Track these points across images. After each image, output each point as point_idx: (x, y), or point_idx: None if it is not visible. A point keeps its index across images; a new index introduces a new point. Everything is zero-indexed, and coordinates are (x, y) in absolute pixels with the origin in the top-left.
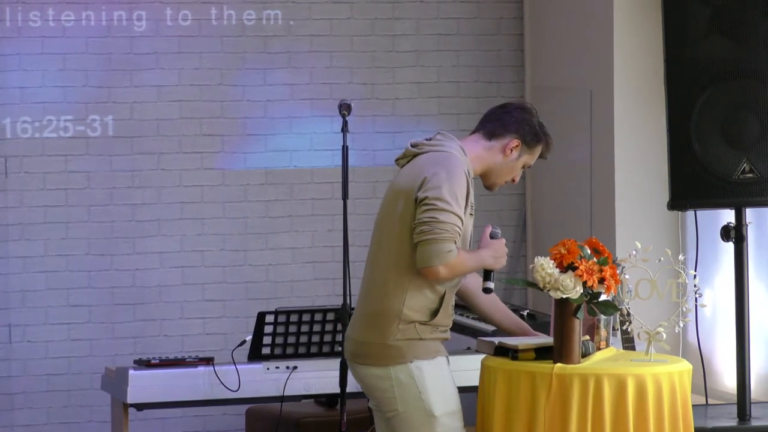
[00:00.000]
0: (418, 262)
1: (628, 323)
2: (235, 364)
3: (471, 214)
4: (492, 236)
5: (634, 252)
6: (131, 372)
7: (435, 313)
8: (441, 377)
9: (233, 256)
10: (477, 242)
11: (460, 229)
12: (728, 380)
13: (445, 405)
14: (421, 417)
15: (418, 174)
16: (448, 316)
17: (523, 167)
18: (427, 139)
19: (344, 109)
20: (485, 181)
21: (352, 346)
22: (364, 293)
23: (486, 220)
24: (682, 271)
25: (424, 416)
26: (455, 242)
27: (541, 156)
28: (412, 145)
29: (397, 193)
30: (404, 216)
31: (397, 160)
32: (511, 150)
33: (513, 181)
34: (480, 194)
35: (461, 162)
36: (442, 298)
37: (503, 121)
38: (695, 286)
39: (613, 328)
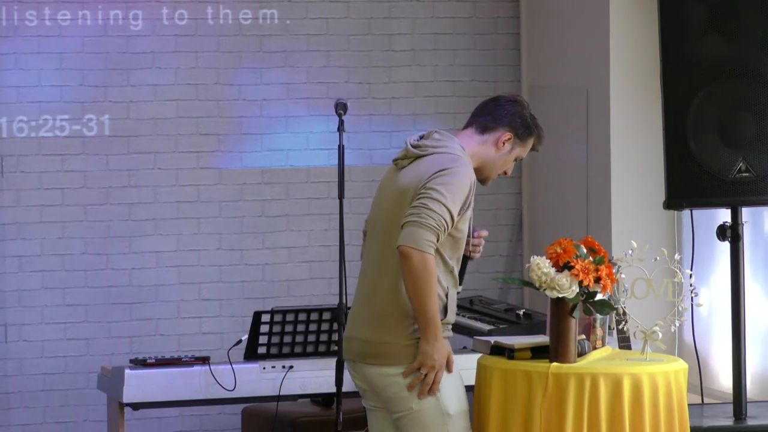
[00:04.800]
0: (398, 240)
1: (624, 322)
2: (231, 363)
3: (470, 215)
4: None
5: (630, 251)
6: (127, 371)
7: (445, 309)
8: (454, 376)
9: (229, 256)
10: (470, 244)
11: (447, 224)
12: (724, 379)
13: (459, 404)
14: (435, 416)
15: (424, 173)
16: (453, 313)
17: (515, 160)
18: (421, 136)
19: (340, 108)
20: (479, 175)
21: (359, 346)
22: (371, 293)
23: (483, 219)
24: (678, 271)
25: (439, 415)
26: (438, 236)
27: (533, 148)
28: (413, 146)
29: (402, 193)
30: None
31: (396, 160)
32: (504, 143)
33: (505, 173)
34: (477, 193)
35: (469, 167)
36: (447, 295)
37: (495, 114)
38: (691, 285)
39: (609, 328)
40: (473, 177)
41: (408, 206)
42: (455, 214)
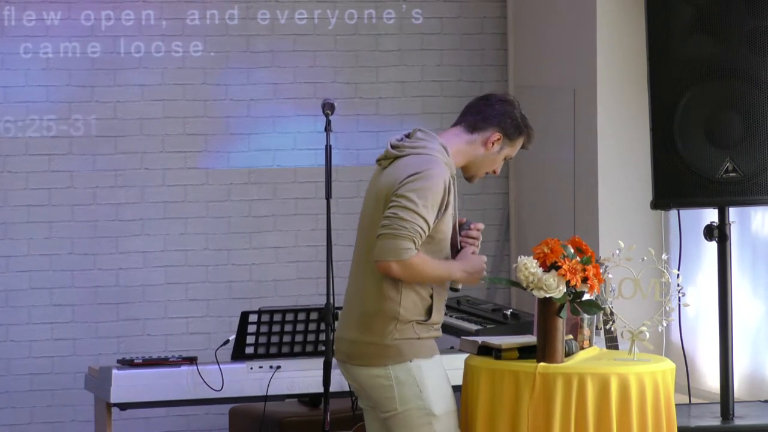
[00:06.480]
0: (374, 255)
1: (611, 322)
2: (218, 363)
3: (453, 214)
4: (462, 228)
5: (617, 251)
6: (114, 371)
7: (430, 310)
8: (439, 376)
9: (216, 256)
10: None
11: (423, 231)
12: (711, 380)
13: (444, 404)
14: (420, 416)
15: (398, 176)
16: (440, 313)
17: (505, 159)
18: (406, 135)
19: (327, 108)
20: (466, 173)
21: (346, 346)
22: (356, 294)
23: (470, 218)
24: (665, 270)
25: (424, 415)
26: (414, 242)
27: (522, 147)
28: (392, 146)
29: (379, 195)
30: None
31: (378, 160)
32: (493, 143)
33: (494, 172)
34: (464, 193)
35: (442, 167)
36: (431, 296)
37: (485, 114)
38: (678, 285)
39: (597, 327)
40: (447, 177)
41: (382, 211)
42: (430, 220)
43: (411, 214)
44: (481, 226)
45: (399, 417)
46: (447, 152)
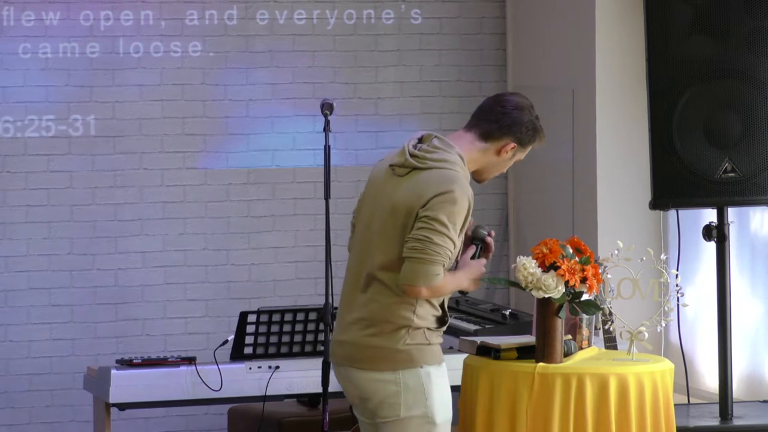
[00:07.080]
0: (402, 278)
1: (610, 322)
2: (217, 363)
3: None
4: (476, 235)
5: (616, 251)
6: (113, 372)
7: (440, 319)
8: (445, 385)
9: (215, 256)
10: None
11: (452, 254)
12: (710, 380)
13: (445, 413)
14: (421, 424)
15: (422, 192)
16: (447, 319)
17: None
18: (419, 140)
19: (326, 108)
20: (476, 176)
21: (349, 350)
22: (360, 298)
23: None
24: (664, 271)
25: (425, 423)
26: (443, 266)
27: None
28: (411, 155)
29: (398, 207)
30: (408, 232)
31: (393, 165)
32: (507, 151)
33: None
34: None
35: (466, 184)
36: (442, 304)
37: (501, 122)
38: (677, 285)
39: (596, 328)
40: (470, 194)
41: (401, 225)
42: (457, 240)
43: (444, 239)
44: (493, 233)
45: (400, 423)
46: (464, 162)
